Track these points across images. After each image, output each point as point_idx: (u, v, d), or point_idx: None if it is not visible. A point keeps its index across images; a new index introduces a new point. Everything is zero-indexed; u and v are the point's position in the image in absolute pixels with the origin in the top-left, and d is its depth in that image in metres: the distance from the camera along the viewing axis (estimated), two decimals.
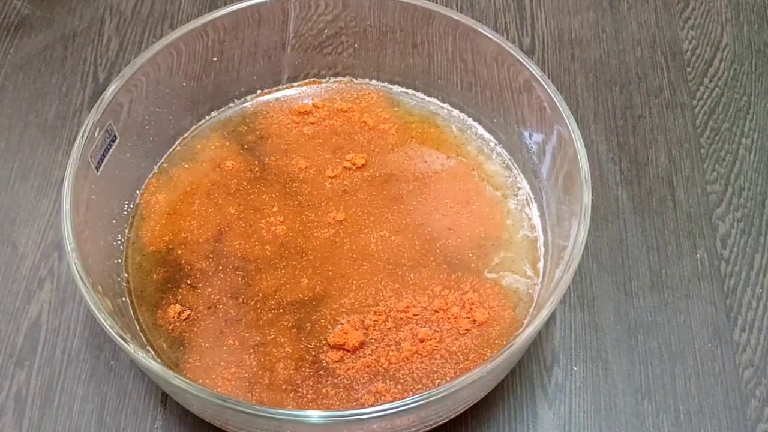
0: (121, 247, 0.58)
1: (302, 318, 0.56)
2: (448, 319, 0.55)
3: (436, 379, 0.53)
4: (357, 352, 0.54)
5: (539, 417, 0.57)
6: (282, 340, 0.55)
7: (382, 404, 0.48)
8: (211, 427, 0.54)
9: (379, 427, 0.49)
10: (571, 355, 0.59)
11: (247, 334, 0.55)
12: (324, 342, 0.55)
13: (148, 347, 0.54)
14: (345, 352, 0.54)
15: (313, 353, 0.54)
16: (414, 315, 0.56)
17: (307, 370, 0.54)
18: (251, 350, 0.54)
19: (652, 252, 0.63)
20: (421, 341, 0.54)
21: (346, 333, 0.54)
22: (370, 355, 0.54)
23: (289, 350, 0.54)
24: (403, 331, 0.55)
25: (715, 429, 0.56)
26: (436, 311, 0.56)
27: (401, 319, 0.55)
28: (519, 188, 0.61)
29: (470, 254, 0.58)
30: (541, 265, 0.58)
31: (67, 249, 0.51)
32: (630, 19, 0.75)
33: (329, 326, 0.55)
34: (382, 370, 0.53)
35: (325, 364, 0.54)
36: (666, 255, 0.63)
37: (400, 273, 0.57)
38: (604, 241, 0.63)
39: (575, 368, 0.58)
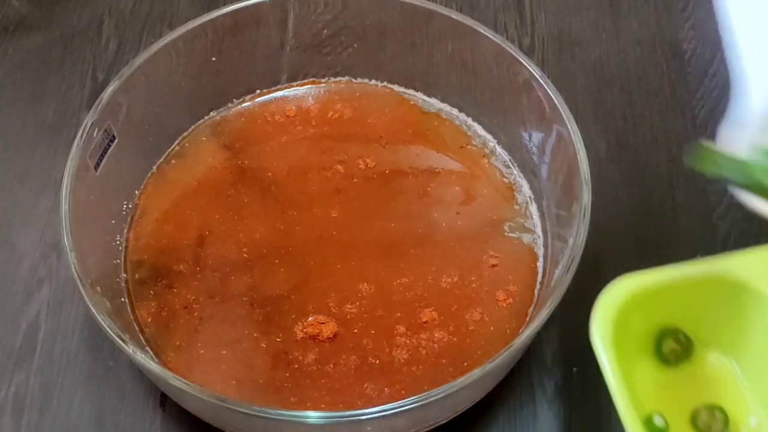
0: (120, 247, 0.58)
1: (273, 310, 0.54)
2: (458, 297, 0.53)
3: (437, 380, 0.52)
4: (333, 343, 0.52)
5: (539, 417, 0.57)
6: (256, 335, 0.53)
7: (380, 405, 0.47)
8: (209, 427, 0.54)
9: (373, 428, 0.48)
10: (571, 356, 0.59)
11: (220, 330, 0.54)
12: (293, 334, 0.53)
13: (147, 348, 0.54)
14: (320, 343, 0.52)
15: (282, 347, 0.53)
16: (415, 294, 0.53)
17: (282, 370, 0.52)
18: (227, 347, 0.53)
19: (651, 252, 0.63)
20: (423, 326, 0.52)
21: (321, 323, 0.53)
22: (351, 349, 0.52)
23: (264, 345, 0.53)
24: (396, 316, 0.53)
25: None
26: (445, 289, 0.53)
27: (397, 302, 0.53)
28: (520, 188, 0.61)
29: (485, 229, 0.57)
30: (540, 264, 0.58)
31: (65, 249, 0.51)
32: (630, 19, 0.75)
33: (301, 316, 0.54)
34: (374, 370, 0.52)
35: (297, 366, 0.52)
36: (666, 255, 0.62)
37: (397, 251, 0.55)
38: (604, 242, 0.63)
39: (575, 369, 0.58)
